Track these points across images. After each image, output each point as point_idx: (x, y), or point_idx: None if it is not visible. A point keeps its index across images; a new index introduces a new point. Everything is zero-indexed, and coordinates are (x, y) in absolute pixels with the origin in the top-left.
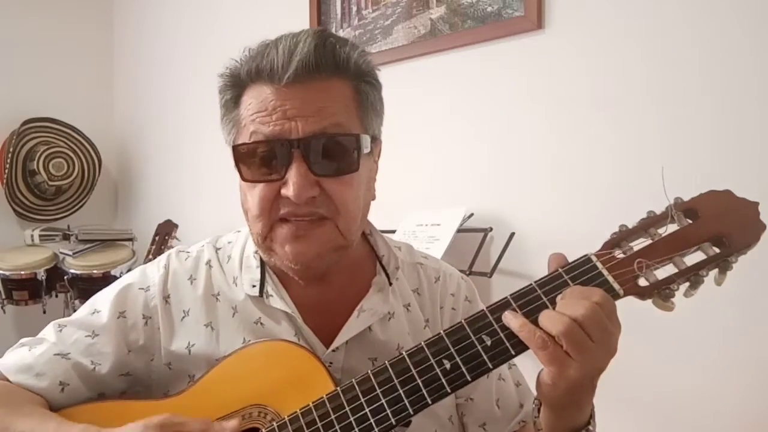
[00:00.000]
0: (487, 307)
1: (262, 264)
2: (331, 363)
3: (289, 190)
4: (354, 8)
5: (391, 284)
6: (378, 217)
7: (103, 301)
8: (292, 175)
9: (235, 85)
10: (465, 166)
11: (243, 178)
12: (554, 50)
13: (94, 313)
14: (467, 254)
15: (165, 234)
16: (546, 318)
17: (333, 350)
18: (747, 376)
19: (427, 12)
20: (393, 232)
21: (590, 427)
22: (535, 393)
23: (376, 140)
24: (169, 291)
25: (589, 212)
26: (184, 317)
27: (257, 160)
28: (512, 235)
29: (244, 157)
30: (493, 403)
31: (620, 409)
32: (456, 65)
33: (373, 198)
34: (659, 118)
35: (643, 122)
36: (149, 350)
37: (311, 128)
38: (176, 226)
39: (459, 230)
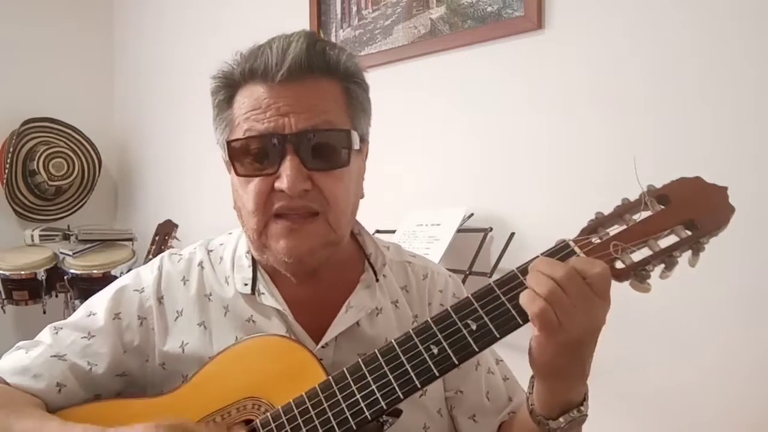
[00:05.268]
0: (471, 294)
1: (254, 263)
2: (321, 359)
3: (283, 183)
4: (354, 8)
5: (378, 281)
6: (378, 217)
7: (98, 303)
8: (286, 168)
9: (228, 85)
10: (465, 166)
11: (237, 174)
12: (554, 50)
13: (89, 315)
14: (467, 254)
15: (165, 234)
16: (530, 279)
17: (323, 346)
18: (746, 374)
19: (427, 12)
20: (393, 232)
21: (582, 408)
22: (524, 389)
23: (364, 140)
24: (163, 292)
25: (589, 212)
26: (177, 317)
27: (251, 155)
28: (512, 235)
29: (238, 153)
30: (483, 395)
31: (620, 405)
32: (456, 65)
33: (362, 196)
34: (658, 118)
35: (642, 122)
36: (144, 351)
37: (304, 124)
38: (176, 226)
39: (459, 230)
